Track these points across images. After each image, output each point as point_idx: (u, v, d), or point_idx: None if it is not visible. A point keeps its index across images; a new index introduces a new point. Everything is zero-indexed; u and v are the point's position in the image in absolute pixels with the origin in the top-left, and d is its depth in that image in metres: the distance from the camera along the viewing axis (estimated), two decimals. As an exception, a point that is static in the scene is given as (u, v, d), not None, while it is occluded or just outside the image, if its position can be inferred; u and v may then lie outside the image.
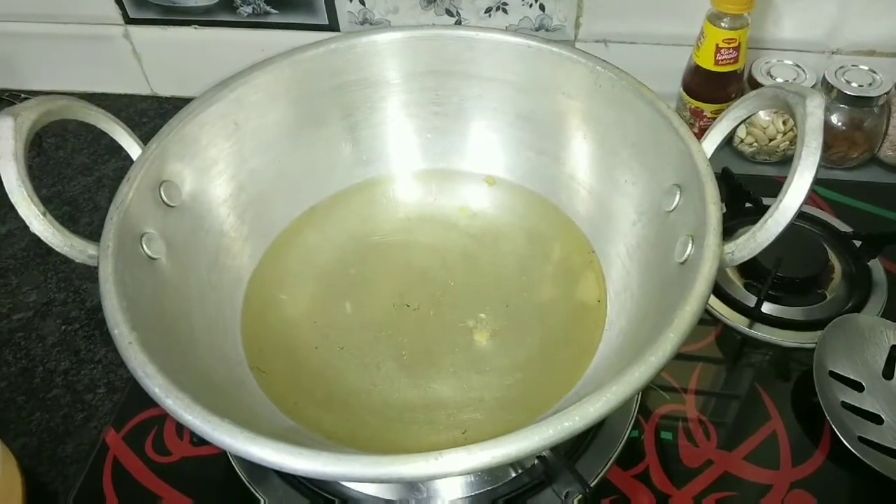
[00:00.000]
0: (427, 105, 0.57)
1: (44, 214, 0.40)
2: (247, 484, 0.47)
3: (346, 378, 0.48)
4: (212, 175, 0.51)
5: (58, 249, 0.41)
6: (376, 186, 0.59)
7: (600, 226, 0.53)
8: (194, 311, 0.45)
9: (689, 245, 0.41)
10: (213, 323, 0.47)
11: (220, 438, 0.32)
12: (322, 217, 0.57)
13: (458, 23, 0.73)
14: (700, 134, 0.44)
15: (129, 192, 0.43)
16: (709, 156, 0.43)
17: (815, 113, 0.37)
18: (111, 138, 0.78)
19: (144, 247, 0.43)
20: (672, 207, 0.45)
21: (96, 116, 0.45)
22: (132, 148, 0.47)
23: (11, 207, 0.70)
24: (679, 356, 0.35)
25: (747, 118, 0.43)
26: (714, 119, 0.67)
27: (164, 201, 0.46)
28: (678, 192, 0.44)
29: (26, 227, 0.68)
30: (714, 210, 0.40)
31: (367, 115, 0.57)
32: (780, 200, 0.37)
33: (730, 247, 0.39)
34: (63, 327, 0.61)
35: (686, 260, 0.41)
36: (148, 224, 0.44)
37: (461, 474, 0.31)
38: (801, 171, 0.37)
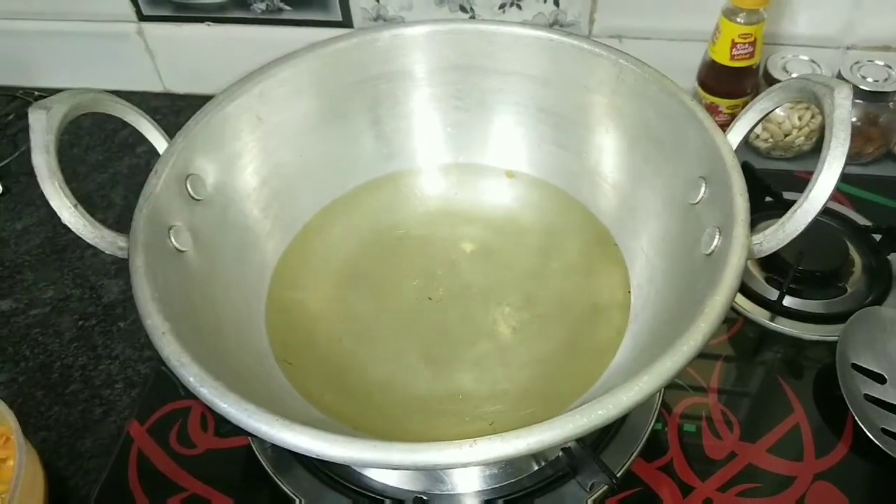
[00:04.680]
0: (448, 99, 0.57)
1: (75, 206, 0.40)
2: (271, 474, 0.47)
3: (370, 370, 0.48)
4: (236, 169, 0.51)
5: (88, 241, 0.41)
6: (399, 180, 0.59)
7: (623, 219, 0.53)
8: (221, 304, 0.46)
9: (716, 237, 0.41)
10: (240, 315, 0.47)
11: (257, 426, 0.32)
12: (345, 211, 0.57)
13: (472, 19, 0.73)
14: (717, 130, 0.44)
15: (158, 185, 0.43)
16: (734, 147, 0.43)
17: (843, 104, 0.37)
18: (125, 135, 0.80)
19: (172, 239, 0.43)
20: (697, 200, 0.45)
21: (123, 110, 0.45)
22: (158, 142, 0.47)
23: (27, 204, 0.73)
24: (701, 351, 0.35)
25: (773, 110, 0.43)
26: (730, 114, 0.68)
27: (190, 195, 0.46)
28: (703, 185, 0.44)
29: (42, 224, 0.71)
30: (741, 201, 0.40)
31: (389, 109, 0.57)
32: (809, 191, 0.37)
33: (758, 238, 0.39)
34: (80, 323, 0.61)
35: (713, 252, 0.41)
36: (175, 217, 0.44)
37: (494, 462, 0.32)
38: (830, 162, 0.37)
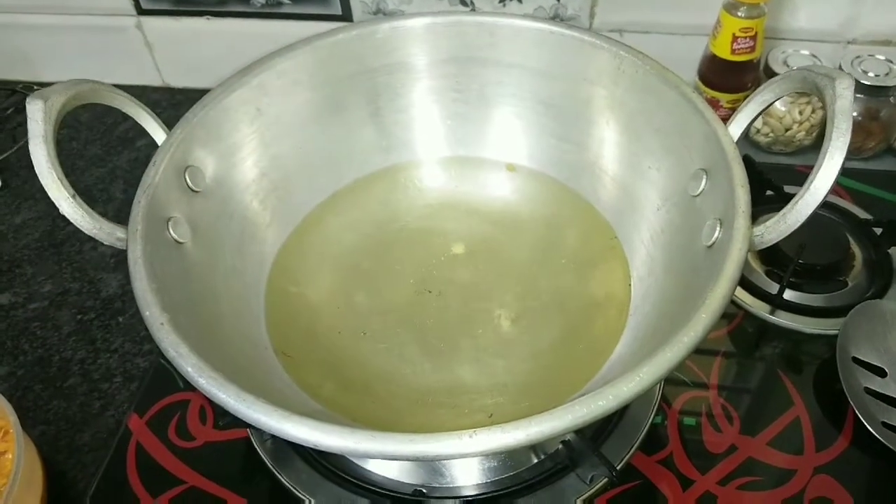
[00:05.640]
0: (448, 92, 0.57)
1: (73, 197, 0.40)
2: (270, 467, 0.47)
3: (369, 362, 0.48)
4: (235, 161, 0.51)
5: (86, 232, 0.41)
6: (398, 173, 0.59)
7: (623, 212, 0.53)
8: (220, 296, 0.46)
9: (717, 228, 0.41)
10: (239, 307, 0.47)
11: (256, 417, 0.32)
12: (344, 203, 0.57)
13: (472, 11, 0.72)
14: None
15: (156, 176, 0.43)
16: (735, 139, 0.43)
17: (844, 95, 0.37)
18: (124, 129, 0.80)
19: (171, 231, 0.43)
20: (698, 192, 0.45)
21: (122, 101, 0.45)
22: (157, 133, 0.47)
23: (26, 198, 0.73)
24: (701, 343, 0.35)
25: (774, 101, 0.42)
26: (730, 108, 0.68)
27: (189, 186, 0.46)
28: (704, 177, 0.44)
29: (41, 218, 0.70)
30: (742, 193, 0.40)
31: (389, 102, 0.57)
32: (811, 182, 0.37)
33: (759, 229, 0.39)
34: (78, 317, 0.61)
35: (714, 243, 0.41)
36: (174, 208, 0.44)
37: (494, 453, 0.32)
38: (832, 153, 0.37)
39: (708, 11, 0.66)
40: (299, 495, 0.46)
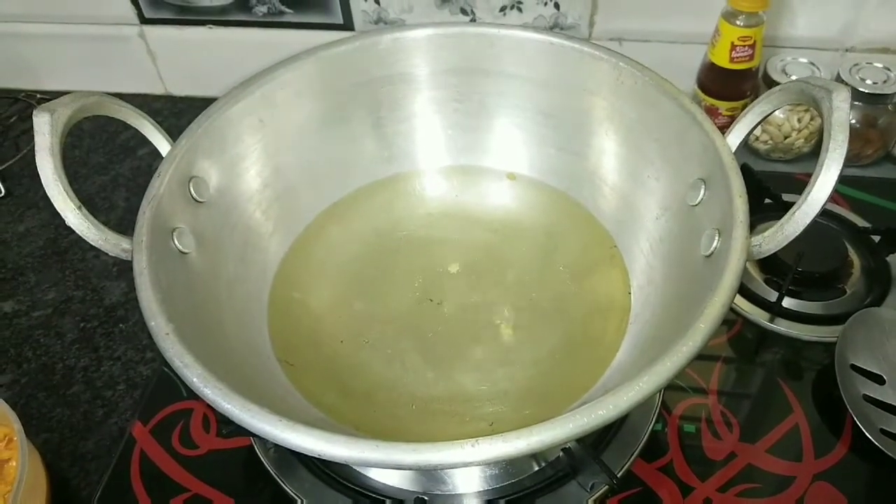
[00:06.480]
0: (449, 102, 0.57)
1: (79, 208, 0.40)
2: (273, 474, 0.48)
3: (371, 371, 0.49)
4: (238, 171, 0.51)
5: (92, 243, 0.41)
6: (399, 182, 0.60)
7: (623, 221, 0.53)
8: (223, 305, 0.46)
9: (716, 238, 0.41)
10: (242, 316, 0.48)
11: (261, 426, 0.33)
12: (346, 212, 0.58)
13: (473, 21, 0.73)
14: (716, 133, 0.44)
15: (161, 187, 0.43)
16: (733, 150, 0.43)
17: (841, 107, 0.38)
18: (126, 138, 0.81)
19: (176, 241, 0.44)
20: (697, 201, 0.45)
21: (127, 113, 0.45)
22: (161, 144, 0.47)
23: (29, 207, 0.73)
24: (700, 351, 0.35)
25: (772, 112, 0.43)
26: (729, 116, 0.68)
27: (193, 197, 0.47)
28: (703, 187, 0.45)
29: (44, 226, 0.71)
30: (741, 203, 0.40)
31: (390, 112, 0.57)
32: (808, 193, 0.38)
33: (757, 239, 0.39)
34: (82, 325, 0.62)
35: (712, 253, 0.41)
36: (178, 219, 0.45)
37: (495, 462, 0.32)
38: (829, 165, 0.37)
39: (707, 20, 0.67)
40: (302, 503, 0.46)
